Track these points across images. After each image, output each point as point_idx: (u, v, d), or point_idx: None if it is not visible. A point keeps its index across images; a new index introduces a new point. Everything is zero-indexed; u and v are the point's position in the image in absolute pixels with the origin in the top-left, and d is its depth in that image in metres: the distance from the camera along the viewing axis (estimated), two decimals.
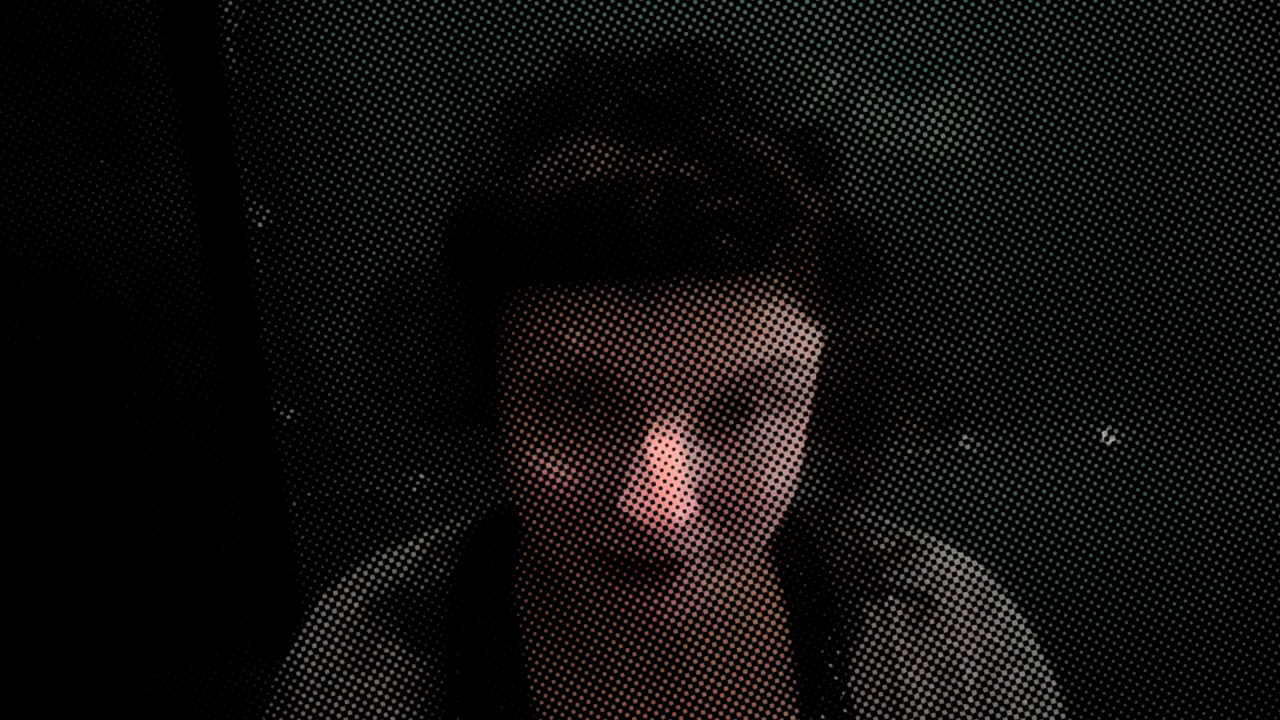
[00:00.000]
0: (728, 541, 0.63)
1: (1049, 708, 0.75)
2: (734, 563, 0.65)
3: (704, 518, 0.62)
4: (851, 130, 0.71)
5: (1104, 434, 0.83)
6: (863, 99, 0.72)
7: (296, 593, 0.87)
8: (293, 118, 0.79)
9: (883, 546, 0.77)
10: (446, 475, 0.84)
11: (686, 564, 0.63)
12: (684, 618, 0.64)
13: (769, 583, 0.76)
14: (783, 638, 0.75)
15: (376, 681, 0.74)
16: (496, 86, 0.72)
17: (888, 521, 0.78)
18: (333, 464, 0.86)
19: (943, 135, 0.75)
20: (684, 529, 0.61)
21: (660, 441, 0.60)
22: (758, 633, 0.74)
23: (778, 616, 0.75)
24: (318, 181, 0.79)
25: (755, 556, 0.67)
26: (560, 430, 0.62)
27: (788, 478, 0.64)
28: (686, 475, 0.61)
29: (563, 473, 0.62)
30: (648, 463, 0.60)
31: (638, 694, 0.72)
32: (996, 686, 0.74)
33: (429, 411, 0.72)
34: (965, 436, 0.83)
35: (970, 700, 0.74)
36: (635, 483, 0.60)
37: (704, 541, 0.63)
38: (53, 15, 0.81)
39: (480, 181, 0.65)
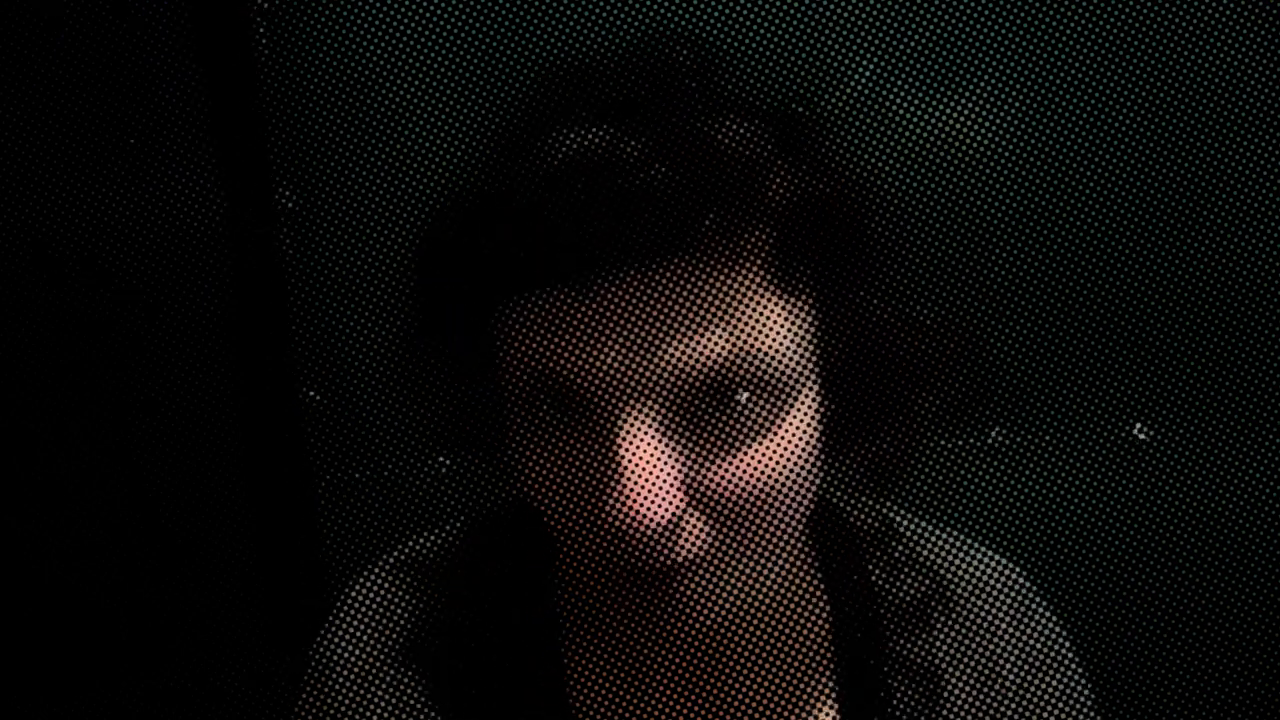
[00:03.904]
0: (734, 539, 0.61)
1: (1084, 716, 0.74)
2: (751, 560, 0.62)
3: (697, 515, 0.60)
4: (880, 127, 0.71)
5: (1136, 429, 0.82)
6: (887, 96, 0.72)
7: (322, 579, 0.87)
8: (321, 101, 0.79)
9: (919, 551, 0.76)
10: (471, 459, 0.84)
11: (692, 567, 0.61)
12: (702, 621, 0.63)
13: (811, 579, 0.75)
14: (824, 634, 0.74)
15: (408, 675, 0.74)
16: (522, 69, 0.72)
17: (925, 525, 0.77)
18: (358, 447, 0.86)
19: (976, 129, 0.74)
20: (667, 531, 0.58)
21: (630, 442, 0.58)
22: (799, 628, 0.73)
23: (820, 612, 0.74)
24: (346, 164, 0.80)
25: (787, 550, 0.65)
26: (546, 442, 0.61)
27: (793, 465, 0.61)
28: (663, 473, 0.58)
29: (554, 485, 0.61)
30: (619, 466, 0.58)
31: (677, 689, 0.72)
32: (1034, 692, 0.73)
33: (448, 435, 0.72)
34: (995, 430, 0.82)
35: (1009, 705, 0.73)
36: (612, 489, 0.58)
37: (702, 541, 0.60)
38: None
39: (440, 206, 0.64)
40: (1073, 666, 0.75)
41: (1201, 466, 0.78)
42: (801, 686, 0.73)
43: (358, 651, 0.74)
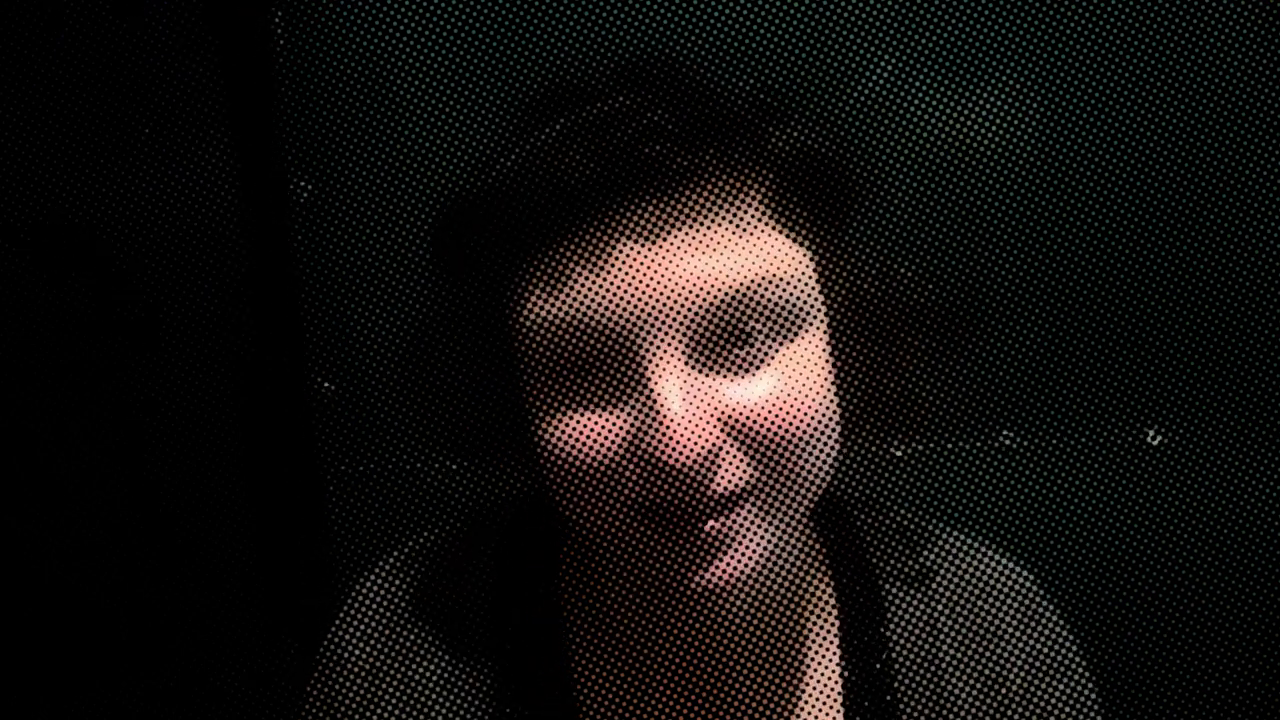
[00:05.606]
0: (771, 479, 0.63)
1: None
2: (785, 512, 0.64)
3: (736, 449, 0.62)
4: (895, 125, 0.71)
5: (1149, 435, 0.82)
6: (902, 94, 0.72)
7: (328, 576, 0.87)
8: (336, 93, 0.80)
9: (929, 555, 0.76)
10: (479, 461, 0.84)
11: (736, 508, 0.63)
12: (738, 566, 0.63)
13: (820, 577, 0.75)
14: (831, 633, 0.74)
15: (419, 670, 0.74)
16: (537, 63, 0.72)
17: (933, 525, 0.77)
18: (368, 440, 0.86)
19: (992, 131, 0.74)
20: (708, 460, 0.61)
21: (662, 374, 0.61)
22: (807, 626, 0.73)
23: (828, 612, 0.74)
24: (360, 156, 0.80)
25: (803, 517, 0.66)
26: (575, 398, 0.63)
27: (815, 403, 0.63)
28: (698, 401, 0.61)
29: (583, 444, 0.62)
30: (656, 398, 0.60)
31: (683, 683, 0.71)
32: (1041, 698, 0.73)
33: (471, 435, 0.73)
34: (1005, 432, 0.82)
35: (1014, 708, 0.73)
36: (652, 422, 0.60)
37: (741, 473, 0.62)
38: None
39: (453, 193, 0.67)
40: (1079, 670, 0.75)
41: (1213, 470, 0.78)
42: (807, 686, 0.73)
43: (366, 646, 0.74)
